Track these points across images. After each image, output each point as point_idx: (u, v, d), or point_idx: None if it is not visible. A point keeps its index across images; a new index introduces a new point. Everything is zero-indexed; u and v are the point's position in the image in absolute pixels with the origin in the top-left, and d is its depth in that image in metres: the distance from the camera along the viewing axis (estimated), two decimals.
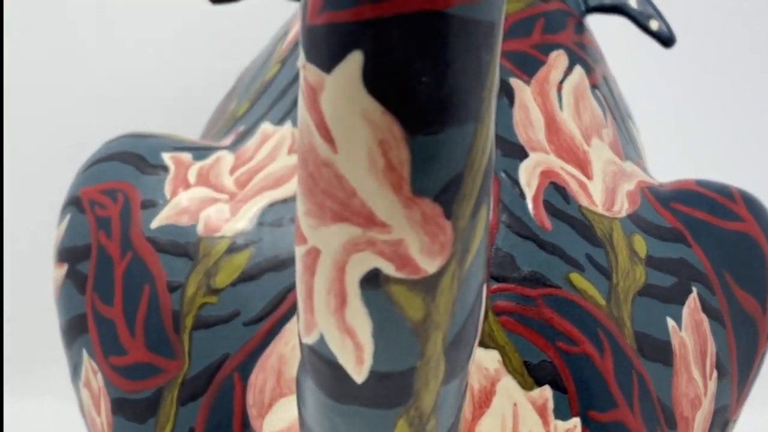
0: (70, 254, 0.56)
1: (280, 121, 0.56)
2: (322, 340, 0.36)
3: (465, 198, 0.34)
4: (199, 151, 0.58)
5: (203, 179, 0.55)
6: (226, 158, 0.57)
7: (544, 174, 0.53)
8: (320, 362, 0.37)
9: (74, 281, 0.56)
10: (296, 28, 0.61)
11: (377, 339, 0.35)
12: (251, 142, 0.57)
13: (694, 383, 0.52)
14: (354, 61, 0.32)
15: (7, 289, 1.00)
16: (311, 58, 0.33)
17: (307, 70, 0.33)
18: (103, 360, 0.54)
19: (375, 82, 0.32)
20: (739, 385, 0.55)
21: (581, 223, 0.52)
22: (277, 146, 0.55)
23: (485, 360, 0.49)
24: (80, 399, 0.56)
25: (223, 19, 1.03)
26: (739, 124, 1.09)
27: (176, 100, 1.03)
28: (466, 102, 0.33)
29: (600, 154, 0.56)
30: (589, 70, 0.59)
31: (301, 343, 0.38)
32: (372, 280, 0.34)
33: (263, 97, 0.59)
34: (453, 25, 0.32)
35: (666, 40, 0.61)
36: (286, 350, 0.50)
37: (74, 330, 0.56)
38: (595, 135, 0.57)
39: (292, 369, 0.50)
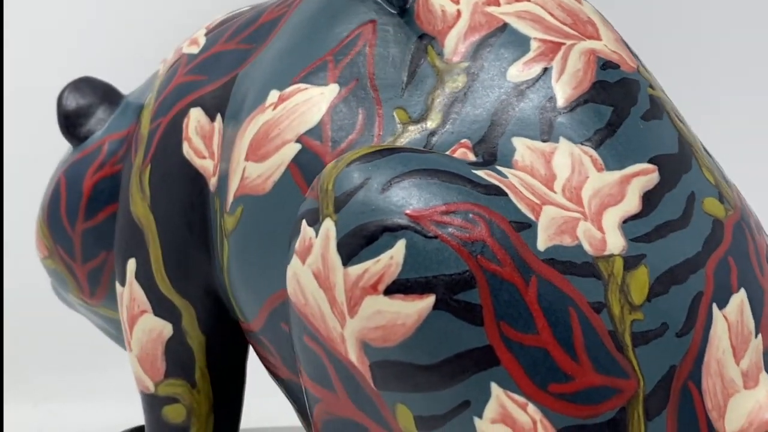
0: (434, 284, 0.51)
1: (544, 138, 0.57)
2: None
3: None
4: (488, 168, 0.56)
5: (540, 197, 0.55)
6: (521, 176, 0.56)
7: None
8: None
9: (456, 313, 0.51)
10: (458, 35, 0.61)
11: None
12: (522, 158, 0.57)
13: None
14: None
15: (8, 297, 0.95)
16: None
17: None
18: (538, 390, 0.51)
19: None
20: None
21: None
22: (576, 163, 0.57)
23: None
24: None
25: None
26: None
27: None
28: None
29: None
30: None
31: None
32: None
33: (465, 109, 0.58)
34: None
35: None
36: (719, 354, 0.55)
37: (467, 364, 0.51)
38: None
39: (728, 370, 0.55)
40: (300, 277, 0.54)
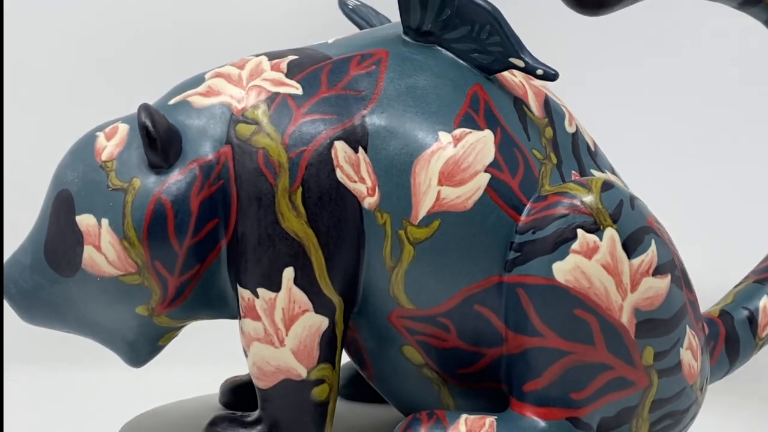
0: (667, 266, 0.82)
1: (608, 171, 0.89)
2: None
3: None
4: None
5: None
6: None
7: None
8: None
9: (677, 283, 0.83)
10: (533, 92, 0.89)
11: None
12: None
13: None
14: None
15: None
16: None
17: None
18: (697, 326, 0.84)
19: None
20: None
21: None
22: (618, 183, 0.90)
23: None
24: (684, 362, 0.83)
25: None
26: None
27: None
28: None
29: None
30: None
31: None
32: None
33: (560, 151, 0.87)
34: None
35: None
36: None
37: (681, 316, 0.83)
38: None
39: None
40: (586, 269, 0.79)
